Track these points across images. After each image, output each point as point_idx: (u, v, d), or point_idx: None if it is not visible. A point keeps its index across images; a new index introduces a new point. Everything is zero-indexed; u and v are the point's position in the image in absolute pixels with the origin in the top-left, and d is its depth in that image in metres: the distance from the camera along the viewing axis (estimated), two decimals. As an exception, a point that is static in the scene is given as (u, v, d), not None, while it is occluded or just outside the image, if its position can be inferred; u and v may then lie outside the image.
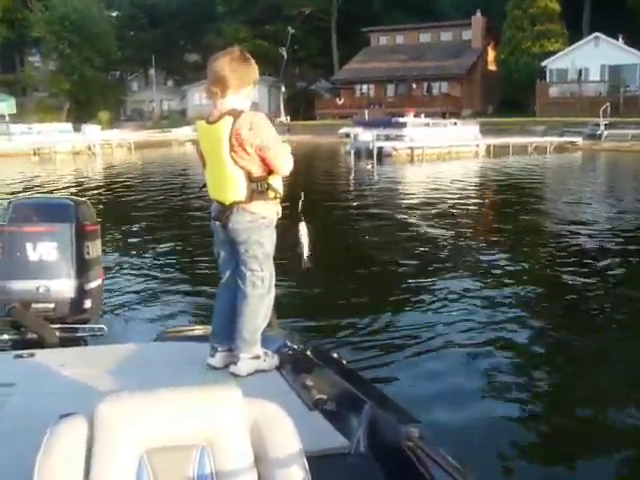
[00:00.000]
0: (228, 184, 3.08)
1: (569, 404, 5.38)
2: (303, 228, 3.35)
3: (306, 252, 3.35)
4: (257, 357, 3.17)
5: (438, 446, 2.23)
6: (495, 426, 4.89)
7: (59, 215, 3.95)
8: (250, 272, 3.17)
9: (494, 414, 5.07)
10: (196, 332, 3.97)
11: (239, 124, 2.97)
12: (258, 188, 3.08)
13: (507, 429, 4.85)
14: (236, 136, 2.97)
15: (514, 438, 4.72)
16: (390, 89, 58.96)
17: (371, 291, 8.80)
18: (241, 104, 3.09)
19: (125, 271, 9.88)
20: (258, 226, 3.12)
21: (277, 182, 3.15)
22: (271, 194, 3.12)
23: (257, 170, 3.07)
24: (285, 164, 3.11)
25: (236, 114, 2.99)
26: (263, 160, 3.06)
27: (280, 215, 3.23)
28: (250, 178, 3.06)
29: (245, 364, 3.14)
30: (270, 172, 3.11)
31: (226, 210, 3.13)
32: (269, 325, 3.35)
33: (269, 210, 3.14)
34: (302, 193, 3.37)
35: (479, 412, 5.10)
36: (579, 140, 38.51)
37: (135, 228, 14.13)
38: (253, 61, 3.16)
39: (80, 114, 60.77)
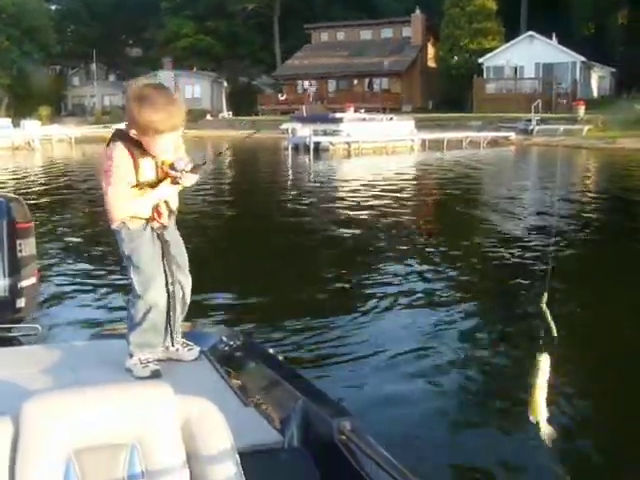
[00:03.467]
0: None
1: (505, 389, 5.48)
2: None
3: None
4: (135, 362, 3.11)
5: (370, 438, 2.25)
6: (429, 418, 4.95)
7: None
8: (130, 279, 3.20)
9: (428, 405, 5.15)
10: None
11: (105, 148, 2.98)
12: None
13: (441, 421, 4.94)
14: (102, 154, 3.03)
15: (448, 430, 4.82)
16: (332, 85, 59.65)
17: (307, 283, 8.89)
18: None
19: (62, 269, 9.79)
20: (119, 235, 3.11)
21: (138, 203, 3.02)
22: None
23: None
24: (111, 209, 3.00)
25: (110, 138, 2.98)
26: None
27: (159, 224, 3.10)
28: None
29: (127, 363, 3.14)
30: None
31: None
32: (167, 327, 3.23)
33: (128, 224, 3.06)
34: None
35: (414, 404, 5.16)
36: (512, 135, 39.73)
37: (73, 225, 13.95)
38: (150, 105, 2.83)
39: (20, 109, 59.66)
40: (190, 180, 3.06)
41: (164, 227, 3.14)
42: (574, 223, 13.21)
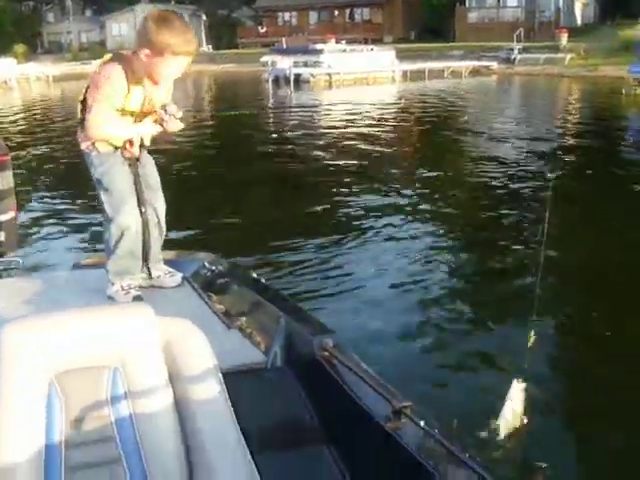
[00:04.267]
0: (78, 104, 3.10)
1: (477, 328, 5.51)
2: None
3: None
4: (117, 289, 3.14)
5: (352, 353, 2.29)
6: (412, 348, 5.02)
7: None
8: (100, 203, 3.21)
9: (414, 337, 5.18)
10: None
11: (104, 66, 2.96)
12: (83, 119, 3.04)
13: (423, 353, 4.99)
14: (94, 73, 3.01)
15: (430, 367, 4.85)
16: (313, 16, 58.64)
17: (293, 216, 8.87)
18: (136, 60, 2.94)
19: (41, 203, 9.86)
20: (83, 152, 3.15)
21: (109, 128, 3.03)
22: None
23: (87, 105, 3.03)
24: (90, 127, 3.00)
25: (114, 58, 2.97)
26: None
27: (130, 153, 3.13)
28: (83, 108, 3.05)
29: (108, 288, 3.17)
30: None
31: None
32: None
33: (86, 141, 3.09)
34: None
35: (397, 333, 5.23)
36: (494, 64, 39.46)
37: (51, 158, 13.98)
38: (169, 27, 2.84)
39: (-7, 47, 58.48)
40: (175, 126, 3.10)
41: (134, 158, 3.15)
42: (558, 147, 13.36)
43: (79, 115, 3.09)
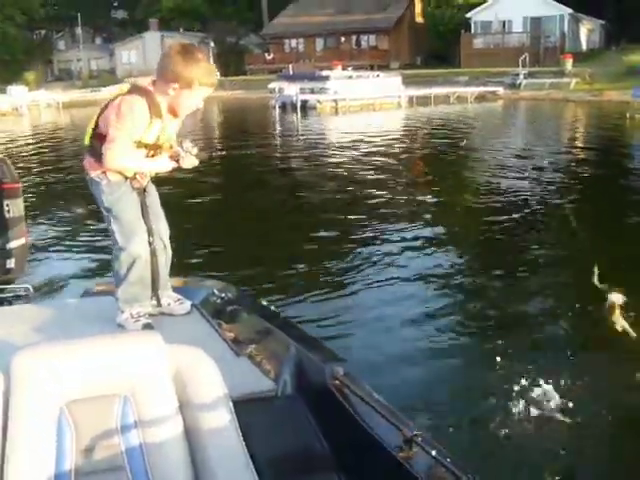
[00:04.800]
0: (87, 130, 3.13)
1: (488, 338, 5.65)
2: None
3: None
4: (126, 317, 3.16)
5: (363, 382, 2.28)
6: (420, 367, 5.06)
7: None
8: (110, 232, 3.22)
9: (422, 356, 5.24)
10: None
11: (123, 97, 2.96)
12: (94, 146, 3.06)
13: (434, 373, 5.04)
14: (113, 102, 2.99)
15: (437, 376, 4.95)
16: (319, 43, 59.16)
17: (299, 239, 8.96)
18: (159, 93, 2.98)
19: (50, 229, 9.91)
20: (89, 180, 3.15)
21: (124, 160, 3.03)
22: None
23: (101, 133, 3.04)
24: (104, 158, 2.99)
25: (134, 90, 2.98)
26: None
27: (139, 184, 3.17)
28: (95, 134, 3.07)
29: (118, 316, 3.20)
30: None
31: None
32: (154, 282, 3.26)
33: (97, 169, 3.10)
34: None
35: (407, 354, 5.26)
36: (500, 89, 39.70)
37: (61, 186, 14.07)
38: (195, 60, 2.92)
39: (5, 75, 59.02)
40: (190, 163, 3.16)
41: (142, 189, 3.18)
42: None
43: (87, 142, 3.11)
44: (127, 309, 3.17)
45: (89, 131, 3.10)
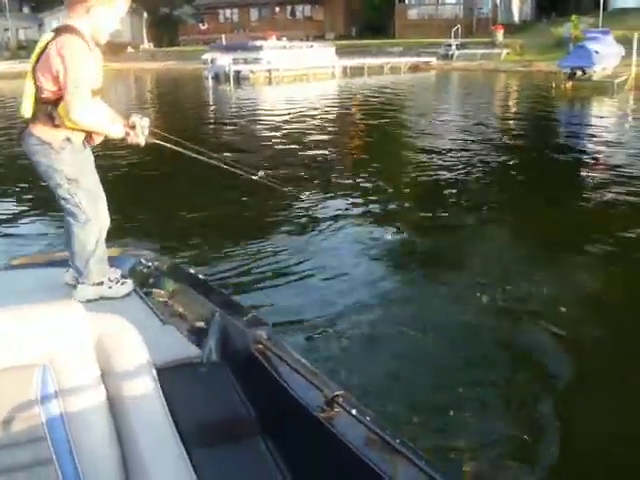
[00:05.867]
0: (24, 100, 2.87)
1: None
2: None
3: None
4: (99, 284, 3.05)
5: (286, 345, 2.31)
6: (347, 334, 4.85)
7: None
8: (64, 201, 2.98)
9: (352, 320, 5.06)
10: (55, 257, 3.66)
11: (56, 42, 2.73)
12: (47, 111, 2.81)
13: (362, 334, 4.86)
14: (47, 54, 2.76)
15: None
16: (254, 13, 58.54)
17: (234, 212, 8.66)
18: (81, 24, 2.79)
19: None
20: (44, 151, 2.87)
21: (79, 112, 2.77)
22: (64, 122, 2.82)
23: (50, 93, 2.79)
24: (72, 110, 2.73)
25: (60, 31, 2.76)
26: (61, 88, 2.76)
27: (93, 142, 3.01)
28: (41, 99, 2.81)
29: (84, 291, 3.04)
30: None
31: (22, 130, 2.93)
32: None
33: (57, 136, 2.85)
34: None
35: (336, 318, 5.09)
36: (433, 60, 40.08)
37: None
38: None
39: None
40: (137, 141, 3.04)
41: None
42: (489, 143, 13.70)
43: (30, 111, 2.85)
44: (103, 278, 3.06)
45: (29, 100, 2.84)
